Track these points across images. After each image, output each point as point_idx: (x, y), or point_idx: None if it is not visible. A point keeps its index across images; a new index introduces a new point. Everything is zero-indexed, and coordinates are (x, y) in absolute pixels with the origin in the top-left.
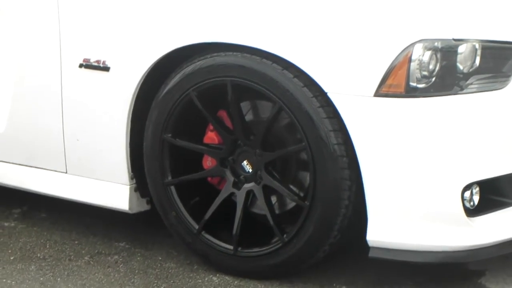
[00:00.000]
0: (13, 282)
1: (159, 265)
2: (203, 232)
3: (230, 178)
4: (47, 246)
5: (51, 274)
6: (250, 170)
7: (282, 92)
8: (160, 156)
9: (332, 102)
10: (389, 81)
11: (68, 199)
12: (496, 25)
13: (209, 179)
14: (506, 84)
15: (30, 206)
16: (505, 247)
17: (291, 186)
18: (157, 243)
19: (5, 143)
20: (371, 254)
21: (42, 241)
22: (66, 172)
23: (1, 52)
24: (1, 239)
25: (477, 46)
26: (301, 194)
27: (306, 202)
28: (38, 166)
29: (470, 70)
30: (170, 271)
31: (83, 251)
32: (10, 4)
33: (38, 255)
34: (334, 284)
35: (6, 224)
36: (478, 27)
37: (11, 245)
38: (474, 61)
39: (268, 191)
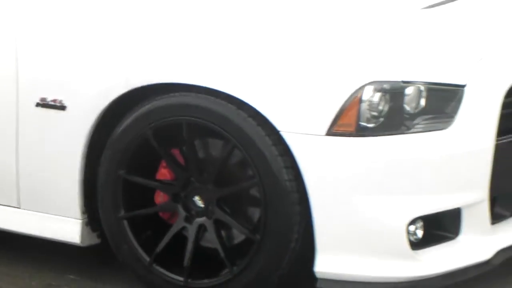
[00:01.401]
0: None
1: None
2: (154, 264)
3: (182, 212)
4: None
5: None
6: (202, 205)
7: (237, 131)
8: (114, 191)
9: (284, 140)
10: (340, 121)
11: (21, 233)
12: (440, 68)
13: (160, 213)
14: (450, 124)
15: None
16: (448, 278)
17: (242, 221)
18: (106, 276)
19: None
20: (318, 285)
21: None
22: (19, 207)
23: None
24: None
25: (422, 88)
26: (251, 228)
27: (257, 236)
28: None
29: (416, 111)
30: None
31: (33, 283)
32: None
33: None
34: None
35: None
36: (424, 69)
37: None
38: (420, 102)
39: (218, 225)
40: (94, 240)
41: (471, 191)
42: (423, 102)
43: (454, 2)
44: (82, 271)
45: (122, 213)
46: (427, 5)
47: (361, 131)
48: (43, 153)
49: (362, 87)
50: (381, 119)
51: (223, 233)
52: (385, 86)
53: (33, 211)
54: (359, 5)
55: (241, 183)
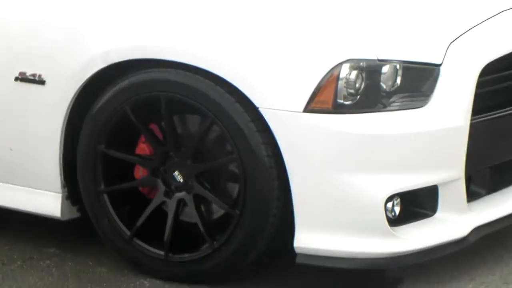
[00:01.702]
0: None
1: (90, 270)
2: (135, 239)
3: (162, 187)
4: None
5: None
6: (181, 180)
7: (215, 107)
8: (94, 166)
9: (263, 117)
10: (317, 98)
11: (1, 207)
12: (415, 47)
13: (140, 188)
14: (426, 103)
15: None
16: (425, 255)
17: (221, 196)
18: (86, 250)
19: None
20: (298, 260)
21: None
22: (0, 182)
23: None
24: None
25: (398, 66)
26: (230, 204)
27: (236, 211)
28: None
29: (392, 89)
30: (102, 275)
31: (15, 256)
32: None
33: None
34: None
35: None
36: (400, 48)
37: None
38: (396, 81)
39: (198, 200)
40: (74, 214)
41: (447, 169)
42: (399, 80)
43: None
44: (62, 245)
45: (102, 187)
46: None
47: (338, 108)
48: (23, 127)
49: (339, 65)
50: (358, 97)
51: (202, 208)
52: (362, 64)
53: (13, 184)
54: None
55: (219, 158)
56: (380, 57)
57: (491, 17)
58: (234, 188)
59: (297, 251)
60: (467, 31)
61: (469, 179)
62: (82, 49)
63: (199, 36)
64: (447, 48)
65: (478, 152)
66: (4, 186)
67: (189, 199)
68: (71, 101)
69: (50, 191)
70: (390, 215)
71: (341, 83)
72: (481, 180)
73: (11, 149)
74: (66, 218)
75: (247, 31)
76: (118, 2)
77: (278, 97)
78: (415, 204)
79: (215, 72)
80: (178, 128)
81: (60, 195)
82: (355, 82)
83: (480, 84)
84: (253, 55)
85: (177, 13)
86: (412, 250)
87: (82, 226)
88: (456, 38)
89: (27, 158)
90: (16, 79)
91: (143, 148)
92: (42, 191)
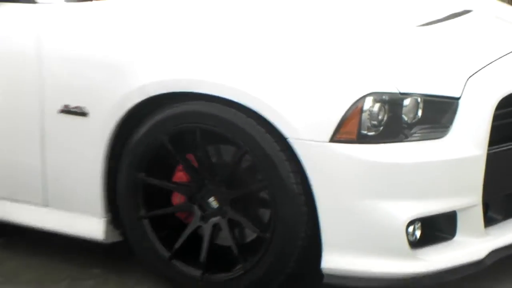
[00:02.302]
0: None
1: None
2: (173, 260)
3: (198, 212)
4: (29, 272)
5: None
6: (216, 206)
7: (246, 138)
8: (134, 193)
9: (291, 147)
10: (343, 129)
11: (49, 231)
12: (435, 81)
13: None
14: (446, 134)
15: (10, 236)
16: (444, 276)
17: (254, 220)
18: (128, 271)
19: None
20: (325, 280)
21: (23, 267)
22: (47, 206)
23: None
24: None
25: (419, 100)
26: (262, 228)
27: (267, 234)
28: (21, 200)
29: (413, 121)
30: None
31: (61, 276)
32: (4, 59)
33: (22, 279)
34: None
35: None
36: (421, 82)
37: None
38: (417, 113)
39: (232, 224)
40: (117, 237)
41: (465, 196)
42: (420, 113)
43: (447, 21)
44: (106, 266)
45: (143, 212)
46: (423, 23)
47: (362, 139)
48: (67, 157)
49: (362, 98)
50: (381, 128)
51: (236, 232)
52: (384, 97)
53: (60, 209)
54: (361, 21)
55: (251, 186)
56: (402, 91)
57: (506, 54)
58: (265, 213)
59: (324, 272)
60: (484, 66)
61: (487, 206)
62: (121, 84)
63: (231, 70)
64: (466, 83)
65: (494, 180)
66: (52, 211)
67: (223, 223)
68: (111, 132)
69: (95, 216)
70: (411, 239)
71: (364, 115)
72: (497, 206)
73: (57, 177)
74: (109, 241)
75: (276, 66)
76: (154, 41)
77: (306, 128)
78: (435, 228)
79: (246, 104)
80: (213, 157)
81: (103, 220)
82: (378, 114)
83: (496, 117)
84: (282, 89)
85: (209, 49)
86: (432, 271)
87: (125, 248)
88: (474, 73)
89: (73, 186)
90: (60, 111)
91: (180, 176)
92: (87, 216)
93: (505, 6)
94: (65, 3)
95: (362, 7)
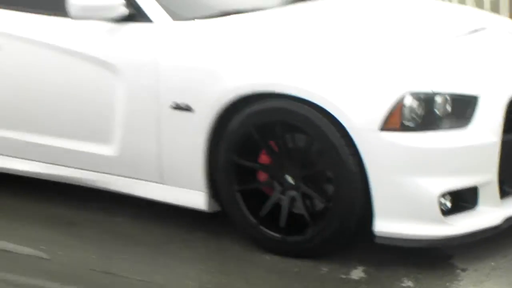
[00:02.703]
0: None
1: (230, 248)
2: (260, 225)
3: (278, 187)
4: (150, 235)
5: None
6: (292, 182)
7: (315, 128)
8: (229, 171)
9: (349, 134)
10: (389, 120)
11: (164, 202)
12: (461, 82)
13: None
14: (469, 125)
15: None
16: (468, 238)
17: (321, 193)
18: (225, 234)
19: (119, 163)
20: (376, 240)
21: (146, 232)
22: (163, 184)
23: (120, 102)
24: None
25: (448, 98)
26: (327, 199)
27: (331, 204)
28: (142, 178)
29: (444, 114)
30: (240, 254)
31: (174, 239)
32: (128, 68)
33: (145, 241)
34: (350, 262)
35: None
36: (449, 83)
37: None
38: (446, 108)
39: (304, 196)
40: (216, 207)
41: (484, 174)
42: (448, 108)
43: (469, 35)
44: (208, 230)
45: (236, 187)
46: (451, 36)
47: (404, 128)
48: (177, 144)
49: (404, 96)
50: (419, 120)
51: (307, 202)
52: (421, 96)
53: (172, 186)
54: (401, 34)
55: (319, 166)
56: (435, 90)
57: None
58: (330, 188)
59: (376, 234)
60: (498, 72)
61: (502, 182)
62: (219, 85)
63: (303, 75)
64: (484, 85)
65: (507, 161)
66: (167, 187)
67: (298, 196)
68: (211, 123)
69: (198, 191)
70: (443, 208)
71: (406, 110)
72: (511, 182)
73: (170, 160)
74: (211, 210)
75: (338, 72)
76: (246, 52)
77: (360, 120)
78: (462, 200)
79: (315, 102)
80: (289, 144)
81: (205, 193)
82: (416, 109)
83: (508, 111)
84: (342, 90)
85: (287, 59)
86: (460, 234)
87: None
88: (491, 77)
89: (182, 166)
90: (172, 107)
91: (264, 158)
92: (193, 190)
93: None
94: (175, 22)
95: (403, 23)
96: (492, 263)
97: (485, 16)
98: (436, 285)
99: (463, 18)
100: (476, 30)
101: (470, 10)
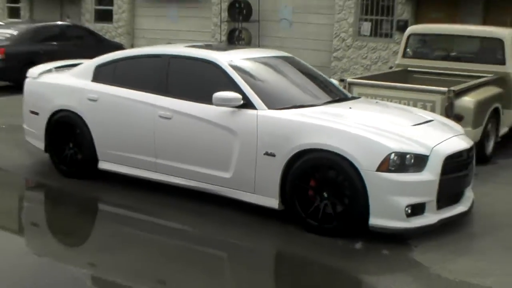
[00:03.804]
0: None
1: (290, 232)
2: (307, 218)
3: (318, 198)
4: (233, 225)
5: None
6: (326, 195)
7: (340, 168)
8: (293, 188)
9: (360, 172)
10: (381, 166)
11: (254, 204)
12: (419, 147)
13: (310, 196)
14: (422, 170)
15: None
16: (419, 230)
17: (340, 201)
18: (287, 222)
19: (232, 181)
20: (370, 229)
21: (230, 223)
22: (254, 193)
23: (235, 149)
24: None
25: (412, 155)
26: (345, 206)
27: (346, 208)
28: (244, 190)
29: (410, 164)
30: (293, 233)
31: (242, 230)
32: (241, 132)
33: (233, 232)
34: (355, 239)
35: None
36: (413, 147)
37: None
38: (411, 161)
39: (332, 202)
40: (282, 208)
41: (429, 196)
42: (412, 160)
43: (427, 122)
44: (274, 224)
45: (296, 197)
46: (419, 122)
47: (389, 171)
48: (265, 173)
49: (390, 154)
50: (397, 166)
51: (334, 206)
52: (399, 154)
53: (259, 194)
54: (391, 121)
55: (341, 187)
56: (406, 151)
57: (450, 137)
58: (346, 200)
59: (370, 225)
60: (440, 142)
61: (438, 200)
62: (291, 143)
63: (335, 139)
64: (432, 148)
65: (441, 190)
66: (256, 196)
67: (328, 203)
68: (285, 163)
69: (274, 198)
70: (406, 213)
71: (391, 161)
72: (444, 201)
73: (262, 179)
74: (280, 209)
75: (356, 140)
76: (304, 127)
77: (366, 164)
78: (416, 209)
79: (340, 153)
80: (326, 175)
81: (278, 199)
82: (396, 160)
83: (444, 163)
84: (358, 148)
85: (326, 131)
86: (415, 227)
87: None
88: (436, 144)
89: (266, 185)
90: (264, 154)
91: (312, 183)
92: (271, 197)
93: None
94: (269, 110)
95: (388, 116)
96: (433, 243)
97: (432, 114)
98: (401, 254)
99: (420, 114)
100: (428, 121)
101: (423, 110)
